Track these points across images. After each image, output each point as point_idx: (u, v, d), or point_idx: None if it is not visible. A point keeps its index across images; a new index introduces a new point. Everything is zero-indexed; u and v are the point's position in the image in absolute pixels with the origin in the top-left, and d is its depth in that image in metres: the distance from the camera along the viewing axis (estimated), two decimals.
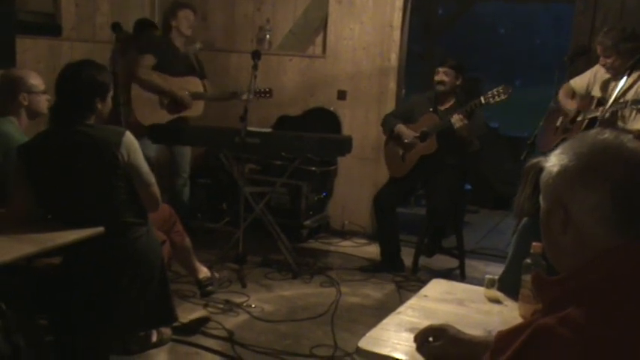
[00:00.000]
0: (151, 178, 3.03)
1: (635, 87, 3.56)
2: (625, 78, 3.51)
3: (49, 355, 2.95)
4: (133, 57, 4.96)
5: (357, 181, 5.69)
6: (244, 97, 4.68)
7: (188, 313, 3.77)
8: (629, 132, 3.54)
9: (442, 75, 4.70)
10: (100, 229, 2.78)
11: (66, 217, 2.86)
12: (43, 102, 3.27)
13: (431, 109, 4.79)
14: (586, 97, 4.03)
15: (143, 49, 4.93)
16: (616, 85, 3.62)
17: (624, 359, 1.02)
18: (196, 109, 5.07)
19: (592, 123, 3.76)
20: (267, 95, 4.94)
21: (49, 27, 5.06)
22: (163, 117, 4.97)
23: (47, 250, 2.61)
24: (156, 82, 4.90)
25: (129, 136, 2.93)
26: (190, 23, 5.07)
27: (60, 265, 2.92)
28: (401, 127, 4.81)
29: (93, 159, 2.88)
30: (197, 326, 3.65)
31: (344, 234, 5.76)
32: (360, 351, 1.83)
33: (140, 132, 4.17)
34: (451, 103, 4.75)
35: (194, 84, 5.09)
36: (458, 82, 4.75)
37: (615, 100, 3.56)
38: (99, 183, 2.90)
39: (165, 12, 5.14)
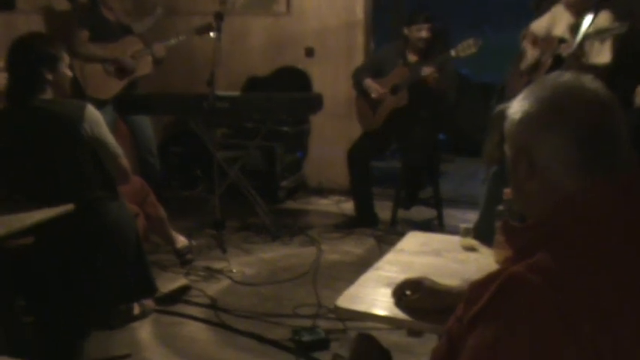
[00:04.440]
0: (118, 150, 2.99)
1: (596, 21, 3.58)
2: (592, 16, 3.51)
3: (29, 336, 2.94)
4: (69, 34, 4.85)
5: (330, 139, 5.65)
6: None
7: (169, 283, 3.75)
8: (594, 68, 3.56)
9: (426, 32, 4.65)
10: (70, 206, 2.73)
11: (33, 197, 2.81)
12: (2, 80, 3.18)
13: (401, 62, 4.74)
14: (547, 39, 4.04)
15: (77, 25, 4.78)
16: (579, 23, 3.62)
17: (595, 302, 1.02)
18: (144, 67, 4.93)
19: (557, 61, 3.77)
20: (210, 30, 4.64)
21: (1, 1, 4.91)
22: (116, 86, 4.85)
23: (16, 231, 2.56)
24: (95, 52, 4.77)
25: (91, 110, 2.87)
26: None
27: (32, 245, 2.87)
28: (368, 82, 4.77)
29: (56, 135, 2.82)
30: (179, 295, 3.64)
31: (321, 192, 5.75)
32: (338, 309, 1.83)
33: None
34: (422, 54, 4.71)
35: (133, 43, 4.95)
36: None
37: (584, 36, 3.57)
38: (64, 159, 2.85)
39: None
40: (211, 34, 4.47)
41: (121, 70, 4.86)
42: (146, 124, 5.06)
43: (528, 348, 1.02)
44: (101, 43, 4.80)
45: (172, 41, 4.94)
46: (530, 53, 4.06)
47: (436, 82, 4.43)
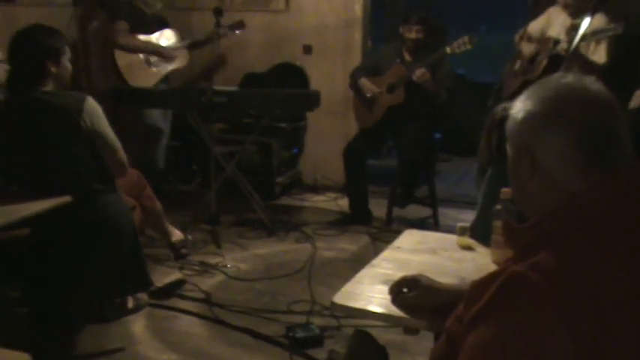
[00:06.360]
0: (117, 144, 2.99)
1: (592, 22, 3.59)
2: (589, 18, 3.52)
3: (24, 327, 2.94)
4: (103, 26, 4.98)
5: (327, 136, 5.66)
6: (222, 32, 4.80)
7: (164, 277, 3.76)
8: (594, 65, 3.57)
9: (416, 33, 4.67)
10: (67, 198, 2.72)
11: (31, 188, 2.81)
12: (2, 72, 3.18)
13: (398, 60, 4.76)
14: (542, 39, 4.06)
15: (114, 16, 4.87)
16: (578, 24, 3.62)
17: (596, 303, 1.03)
18: (182, 59, 5.01)
19: (552, 62, 3.78)
20: (241, 27, 4.92)
21: None
22: (155, 76, 4.93)
23: (13, 222, 2.55)
24: (137, 44, 4.85)
25: (90, 102, 2.87)
26: None
27: (28, 237, 2.87)
28: (363, 81, 4.80)
29: (54, 127, 2.82)
30: (173, 289, 3.64)
31: (317, 189, 5.76)
32: (335, 306, 1.83)
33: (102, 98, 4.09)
34: (420, 52, 4.72)
35: (170, 36, 5.05)
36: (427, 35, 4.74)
37: (583, 37, 3.58)
38: (62, 151, 2.85)
39: None
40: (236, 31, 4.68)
41: (162, 61, 4.94)
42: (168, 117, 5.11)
43: (529, 348, 1.02)
44: (142, 35, 4.88)
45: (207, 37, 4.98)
46: (527, 50, 4.07)
47: (428, 83, 4.46)
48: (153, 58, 4.93)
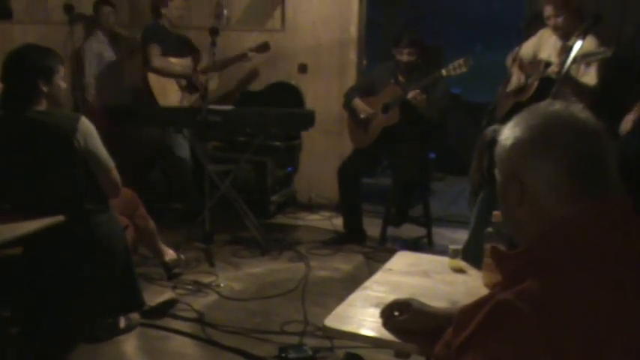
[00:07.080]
0: (110, 163, 2.99)
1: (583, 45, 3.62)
2: (581, 42, 3.55)
3: (15, 347, 2.92)
4: (132, 48, 5.35)
5: (321, 155, 5.67)
6: (250, 55, 5.21)
7: (156, 296, 3.74)
8: (585, 86, 3.59)
9: (407, 56, 4.67)
10: (60, 217, 2.73)
11: (25, 207, 2.81)
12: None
13: (393, 81, 4.78)
14: (534, 62, 4.09)
15: (146, 40, 5.00)
16: (570, 46, 3.65)
17: (583, 331, 1.03)
18: (212, 83, 5.08)
19: (543, 84, 3.81)
20: (267, 49, 5.23)
21: None
22: (185, 99, 5.07)
23: (7, 241, 2.55)
24: (171, 69, 5.01)
25: (84, 122, 2.88)
26: (180, 12, 5.19)
27: (21, 256, 2.87)
28: (356, 102, 4.82)
29: (48, 147, 2.83)
30: (165, 309, 3.63)
31: (311, 208, 5.75)
32: (326, 329, 1.83)
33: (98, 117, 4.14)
34: (413, 73, 4.74)
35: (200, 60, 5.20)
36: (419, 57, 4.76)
37: (574, 60, 3.61)
38: (56, 171, 2.85)
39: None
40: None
41: (192, 85, 5.09)
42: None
43: None
44: (171, 57, 5.01)
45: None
46: (516, 77, 4.11)
47: (422, 104, 4.47)
48: (184, 82, 5.05)
